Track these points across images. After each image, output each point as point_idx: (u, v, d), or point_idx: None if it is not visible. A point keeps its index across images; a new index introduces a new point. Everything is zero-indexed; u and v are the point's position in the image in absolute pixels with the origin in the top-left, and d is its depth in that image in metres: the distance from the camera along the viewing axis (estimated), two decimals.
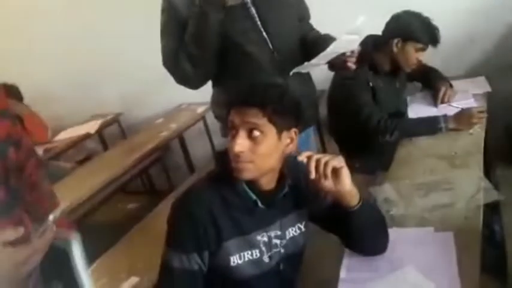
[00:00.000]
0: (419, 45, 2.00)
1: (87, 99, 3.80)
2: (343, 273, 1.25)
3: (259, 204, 1.15)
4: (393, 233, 1.31)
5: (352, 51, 1.56)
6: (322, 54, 1.51)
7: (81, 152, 3.77)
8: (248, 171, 1.08)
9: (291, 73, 1.52)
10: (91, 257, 1.96)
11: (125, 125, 3.81)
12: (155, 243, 1.46)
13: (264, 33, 1.59)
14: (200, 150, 3.59)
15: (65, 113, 3.84)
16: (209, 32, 1.51)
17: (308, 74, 1.81)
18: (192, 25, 1.53)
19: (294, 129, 1.13)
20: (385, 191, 1.59)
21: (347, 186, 1.12)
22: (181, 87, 1.69)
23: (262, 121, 1.06)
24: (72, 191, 2.51)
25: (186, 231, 1.11)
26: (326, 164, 1.09)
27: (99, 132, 3.66)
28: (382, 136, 1.97)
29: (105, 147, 3.77)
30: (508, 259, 1.64)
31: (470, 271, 1.15)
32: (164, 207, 2.22)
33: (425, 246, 1.28)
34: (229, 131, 1.10)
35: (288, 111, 1.10)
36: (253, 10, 1.58)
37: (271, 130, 1.07)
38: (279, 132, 1.09)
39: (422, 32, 1.97)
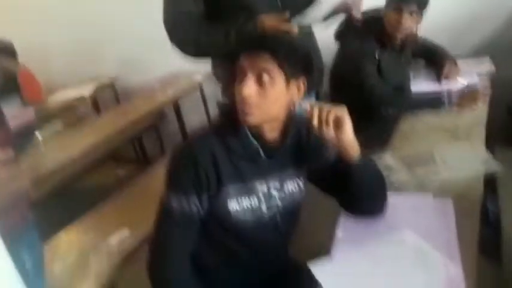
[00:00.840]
0: (393, 4, 1.95)
1: (82, 62, 3.73)
2: (339, 233, 1.23)
3: (261, 153, 1.14)
4: (392, 197, 1.29)
5: None
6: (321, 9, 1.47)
7: (73, 116, 3.71)
8: (254, 116, 1.07)
9: (294, 25, 1.46)
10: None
11: (120, 90, 3.75)
12: (148, 201, 1.43)
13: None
14: (196, 119, 3.53)
15: (59, 75, 3.77)
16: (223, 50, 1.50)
17: (311, 31, 1.77)
18: (212, 35, 1.51)
19: (302, 79, 1.11)
20: (386, 159, 1.56)
21: (349, 135, 1.11)
22: (179, 54, 1.64)
23: (272, 66, 1.04)
24: (62, 151, 2.46)
25: (186, 174, 1.09)
26: (328, 111, 1.08)
27: (93, 96, 3.60)
28: (385, 109, 1.94)
29: (98, 112, 3.71)
30: (503, 238, 1.63)
31: (469, 236, 1.14)
32: (156, 170, 2.18)
33: (424, 211, 1.27)
34: (237, 76, 1.09)
35: (298, 59, 1.08)
36: None
37: (280, 76, 1.06)
38: (288, 79, 1.07)
39: None
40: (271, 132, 1.14)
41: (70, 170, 2.68)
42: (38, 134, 2.72)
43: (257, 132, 1.12)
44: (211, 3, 1.56)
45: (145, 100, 3.06)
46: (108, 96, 3.77)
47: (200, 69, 3.05)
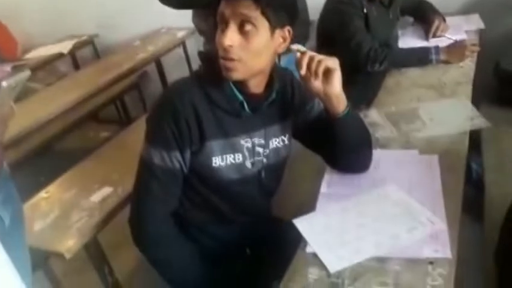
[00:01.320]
0: None
1: (61, 18, 3.58)
2: (323, 188, 1.22)
3: (246, 107, 1.10)
4: (377, 153, 1.29)
5: None
6: None
7: (52, 74, 3.60)
8: (237, 71, 1.02)
9: None
10: None
11: (100, 47, 3.63)
12: (130, 157, 1.39)
13: None
14: (179, 77, 3.46)
15: (37, 32, 3.63)
16: None
17: None
18: None
19: (287, 28, 1.05)
20: (371, 116, 1.54)
21: (337, 88, 1.07)
22: (162, 10, 1.57)
23: (255, 14, 0.98)
24: (41, 109, 2.39)
25: (168, 128, 1.05)
26: (319, 62, 1.03)
27: (72, 53, 3.48)
28: (371, 65, 1.90)
29: (78, 69, 3.59)
30: (486, 196, 1.64)
31: (454, 189, 1.14)
32: (138, 126, 2.12)
33: (410, 167, 1.26)
34: (218, 25, 1.02)
35: (283, 5, 1.01)
36: None
37: (263, 24, 1.00)
38: (272, 28, 1.01)
39: None
40: (256, 87, 1.10)
41: (50, 129, 2.62)
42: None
43: (242, 87, 1.08)
44: None
45: (126, 57, 2.95)
46: (88, 53, 3.65)
47: (183, 26, 2.97)
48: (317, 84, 1.06)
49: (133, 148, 1.39)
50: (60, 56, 3.33)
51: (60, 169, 1.85)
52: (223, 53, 1.00)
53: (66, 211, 1.42)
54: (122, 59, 2.92)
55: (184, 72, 3.37)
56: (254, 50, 1.00)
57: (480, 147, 1.85)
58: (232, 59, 1.00)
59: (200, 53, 1.17)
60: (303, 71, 1.04)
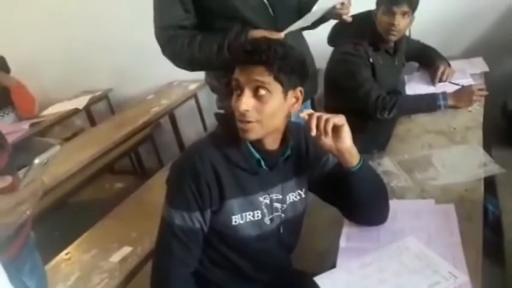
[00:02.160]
0: (384, 7, 1.94)
1: (76, 74, 3.69)
2: (342, 242, 1.23)
3: (263, 164, 1.14)
4: (394, 204, 1.29)
5: (342, 3, 1.52)
6: (310, 13, 1.47)
7: (68, 129, 3.69)
8: (254, 132, 1.06)
9: (284, 33, 1.47)
10: (77, 234, 1.92)
11: (114, 101, 3.72)
12: (148, 215, 1.43)
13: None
14: (191, 129, 3.53)
15: (53, 88, 3.74)
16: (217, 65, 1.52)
17: (304, 40, 1.77)
18: (204, 50, 1.52)
19: (299, 88, 1.11)
20: (385, 165, 1.56)
21: (347, 143, 1.11)
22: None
23: (268, 79, 1.03)
24: (58, 166, 2.44)
25: (189, 189, 1.09)
26: (327, 120, 1.07)
27: (87, 108, 3.57)
28: (380, 113, 1.94)
29: (93, 124, 3.68)
30: (505, 239, 1.63)
31: (473, 241, 1.14)
32: (155, 182, 2.17)
33: (427, 217, 1.26)
34: (234, 90, 1.08)
35: (294, 68, 1.07)
36: None
37: (277, 89, 1.05)
38: (285, 91, 1.07)
39: None
40: (272, 144, 1.14)
41: (68, 185, 2.66)
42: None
43: (258, 145, 1.12)
44: (204, 15, 1.56)
45: (141, 111, 3.03)
46: (103, 108, 3.74)
47: (195, 78, 3.06)
48: (328, 141, 1.09)
49: (151, 206, 1.42)
50: (75, 111, 3.43)
51: (76, 223, 1.87)
52: (240, 116, 1.05)
53: (87, 273, 1.43)
54: (137, 113, 3.00)
55: (197, 123, 3.48)
56: (269, 112, 1.05)
57: (495, 189, 1.85)
58: (249, 122, 1.05)
59: (216, 114, 1.22)
60: (313, 132, 1.08)
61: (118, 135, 2.70)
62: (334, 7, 1.51)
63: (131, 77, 3.58)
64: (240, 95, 1.05)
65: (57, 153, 0.82)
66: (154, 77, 3.46)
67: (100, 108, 3.74)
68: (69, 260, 1.52)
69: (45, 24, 3.54)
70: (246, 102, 1.03)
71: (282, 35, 1.43)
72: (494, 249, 1.62)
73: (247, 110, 1.03)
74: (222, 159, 1.11)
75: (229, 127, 1.11)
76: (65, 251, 1.58)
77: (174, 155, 3.47)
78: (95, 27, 3.42)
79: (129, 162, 3.78)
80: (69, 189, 2.84)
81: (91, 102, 3.52)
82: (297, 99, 1.11)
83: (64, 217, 3.05)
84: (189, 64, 1.58)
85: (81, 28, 3.45)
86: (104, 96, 3.66)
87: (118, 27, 3.35)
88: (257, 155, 1.12)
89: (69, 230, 1.93)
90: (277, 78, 1.04)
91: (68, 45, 3.58)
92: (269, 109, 1.05)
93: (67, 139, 3.42)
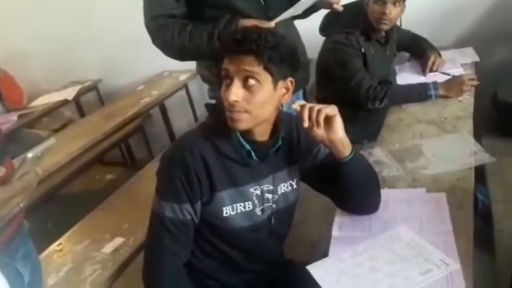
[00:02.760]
0: None
1: (64, 65, 3.65)
2: (335, 231, 1.23)
3: (253, 155, 1.13)
4: (385, 193, 1.30)
5: None
6: (300, 2, 1.46)
7: (57, 120, 3.66)
8: (243, 122, 1.05)
9: (274, 21, 1.45)
10: (68, 225, 1.91)
11: (104, 92, 3.69)
12: (139, 206, 1.42)
13: None
14: (182, 119, 3.51)
15: (42, 79, 3.70)
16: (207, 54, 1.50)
17: (295, 30, 1.76)
18: (194, 40, 1.50)
19: (289, 79, 1.10)
20: (376, 154, 1.57)
21: (339, 134, 1.11)
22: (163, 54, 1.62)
23: (258, 69, 1.02)
24: (48, 158, 2.41)
25: (179, 181, 1.08)
26: (319, 111, 1.07)
27: (76, 99, 3.54)
28: (371, 103, 1.95)
29: (82, 115, 3.65)
30: (495, 228, 1.65)
31: (464, 229, 1.15)
32: (145, 173, 2.16)
33: (418, 206, 1.27)
34: (223, 80, 1.07)
35: (284, 58, 1.06)
36: None
37: (267, 79, 1.04)
38: (275, 81, 1.06)
39: None
40: (262, 135, 1.13)
41: (58, 177, 2.64)
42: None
43: (248, 136, 1.11)
44: (194, 4, 1.54)
45: (131, 102, 3.01)
46: (92, 99, 3.71)
47: (185, 68, 3.03)
48: (320, 132, 1.09)
49: (142, 197, 1.41)
50: (64, 102, 3.39)
51: (67, 214, 1.85)
52: (229, 106, 1.04)
53: (79, 264, 1.43)
54: (127, 104, 2.97)
55: (188, 114, 3.46)
56: (259, 102, 1.04)
57: (485, 178, 1.87)
58: (238, 111, 1.04)
59: (207, 105, 1.21)
60: (306, 123, 1.07)
61: (108, 127, 2.68)
62: None
63: (121, 68, 3.54)
64: (229, 85, 1.04)
65: (51, 146, 0.81)
66: (144, 67, 3.43)
67: (89, 99, 3.71)
68: (61, 251, 1.51)
69: (33, 14, 3.48)
70: (235, 92, 1.02)
71: (272, 24, 1.42)
72: (484, 238, 1.64)
73: (236, 101, 1.02)
74: (212, 150, 1.11)
75: (220, 118, 1.10)
76: (57, 242, 1.57)
77: (164, 146, 3.44)
78: (84, 16, 3.38)
79: (119, 154, 3.76)
80: (60, 181, 2.81)
81: (80, 93, 3.49)
82: (288, 89, 1.10)
83: (55, 208, 3.03)
84: (180, 54, 1.57)
85: (70, 18, 3.40)
86: (93, 87, 3.63)
87: (107, 17, 3.31)
88: (247, 146, 1.12)
89: (60, 221, 1.91)
90: (267, 68, 1.03)
91: (56, 35, 3.52)
92: (259, 99, 1.04)
93: (56, 130, 3.39)
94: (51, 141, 0.80)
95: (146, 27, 1.57)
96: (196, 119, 3.50)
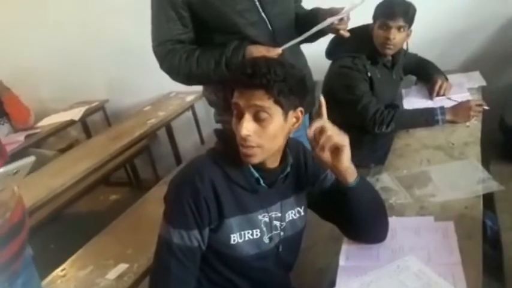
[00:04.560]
0: (379, 22, 1.96)
1: (72, 85, 3.68)
2: (342, 261, 1.21)
3: (262, 182, 1.13)
4: (393, 221, 1.29)
5: (341, 19, 1.51)
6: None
7: (63, 140, 3.67)
8: (256, 156, 1.06)
9: (281, 48, 1.46)
10: (72, 247, 1.90)
11: (110, 112, 3.71)
12: (144, 231, 1.41)
13: (263, 14, 1.54)
14: (188, 140, 3.52)
15: (49, 99, 3.74)
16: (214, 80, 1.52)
17: (301, 54, 1.77)
18: (202, 66, 1.51)
19: (299, 108, 1.10)
20: (383, 181, 1.56)
21: (344, 164, 1.09)
22: None
23: (268, 103, 1.02)
24: (53, 179, 2.42)
25: (188, 207, 1.07)
26: (328, 137, 1.06)
27: (83, 119, 3.55)
28: (378, 127, 1.95)
29: (89, 135, 3.67)
30: (504, 255, 1.62)
31: (473, 259, 1.13)
32: (151, 196, 2.16)
33: (426, 235, 1.25)
34: (233, 111, 1.08)
35: (294, 90, 1.05)
36: None
37: (277, 111, 1.04)
38: (285, 112, 1.06)
39: (381, 8, 1.96)
40: (272, 162, 1.13)
41: (63, 198, 2.64)
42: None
43: (258, 164, 1.11)
44: (202, 30, 1.56)
45: (137, 123, 3.02)
46: (99, 119, 3.73)
47: (192, 90, 3.05)
48: (324, 156, 1.08)
49: (147, 221, 1.39)
50: (71, 122, 3.41)
51: (70, 236, 1.84)
52: (241, 141, 1.05)
53: None
54: (133, 125, 2.98)
55: (194, 135, 3.47)
56: (270, 135, 1.05)
57: (493, 204, 1.84)
58: (251, 146, 1.04)
59: (216, 131, 1.21)
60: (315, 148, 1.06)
61: (114, 148, 2.69)
62: (332, 23, 1.51)
63: (128, 88, 3.57)
64: (240, 118, 1.04)
65: (29, 164, 0.80)
66: (151, 88, 3.45)
67: (96, 119, 3.73)
68: (65, 277, 1.49)
69: (42, 35, 3.53)
70: (247, 126, 1.02)
71: (279, 50, 1.43)
72: (493, 265, 1.61)
73: (248, 135, 1.02)
74: (222, 176, 1.10)
75: (229, 144, 1.11)
76: (61, 268, 1.56)
77: (170, 166, 3.46)
78: (91, 37, 3.42)
79: (124, 174, 3.76)
80: (64, 202, 2.81)
81: (87, 114, 3.51)
82: (297, 119, 1.10)
83: (58, 229, 3.03)
84: (187, 79, 1.58)
85: (78, 38, 3.45)
86: (100, 107, 3.65)
87: (115, 38, 3.35)
88: (256, 174, 1.12)
89: (65, 242, 1.90)
90: (277, 102, 1.03)
91: (64, 55, 3.56)
92: (270, 132, 1.04)
93: (62, 150, 3.40)
94: (31, 158, 0.79)
95: (154, 52, 1.58)
96: (202, 140, 3.50)
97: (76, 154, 2.81)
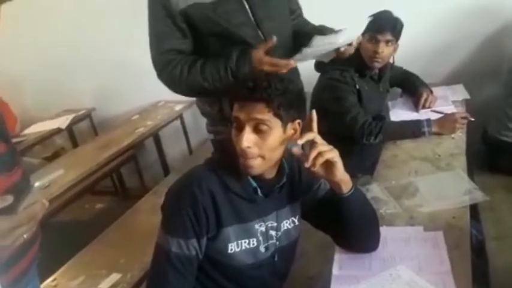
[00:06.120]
0: (368, 35, 2.00)
1: (58, 92, 3.65)
2: (335, 270, 1.24)
3: (259, 192, 1.15)
4: (384, 231, 1.31)
5: (350, 44, 1.51)
6: (310, 50, 1.47)
7: (48, 148, 3.63)
8: (257, 167, 1.09)
9: (293, 60, 1.46)
10: (58, 256, 1.87)
11: (97, 121, 3.68)
12: (135, 241, 1.41)
13: (259, 30, 1.56)
14: (175, 149, 3.51)
15: (35, 106, 3.70)
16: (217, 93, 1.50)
17: (296, 68, 1.79)
18: (207, 78, 1.48)
19: (297, 121, 1.13)
20: (373, 191, 1.59)
21: (337, 177, 1.12)
22: (158, 84, 1.59)
23: (268, 116, 1.06)
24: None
25: (187, 216, 1.08)
26: (320, 154, 1.07)
27: (69, 128, 3.52)
28: (366, 138, 1.99)
29: (75, 144, 3.64)
30: (490, 265, 1.67)
31: (462, 268, 1.17)
32: (141, 206, 2.14)
33: (416, 245, 1.29)
34: (233, 123, 1.10)
35: (293, 103, 1.09)
36: (246, 4, 1.55)
37: (276, 123, 1.07)
38: (284, 125, 1.09)
39: (370, 22, 2.00)
40: (270, 173, 1.16)
41: (49, 207, 2.59)
42: None
43: (256, 174, 1.13)
44: (197, 37, 1.56)
45: (125, 132, 3.01)
46: (85, 127, 3.70)
47: (180, 99, 3.05)
48: (317, 170, 1.10)
49: (138, 231, 1.39)
50: (58, 131, 3.38)
51: (57, 244, 1.81)
52: (242, 153, 1.07)
53: None
54: (121, 134, 2.97)
55: (182, 144, 3.47)
56: (270, 146, 1.08)
57: (478, 213, 1.89)
58: (252, 158, 1.07)
59: (213, 141, 1.23)
60: (308, 164, 1.07)
61: (102, 157, 2.67)
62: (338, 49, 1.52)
63: (115, 97, 3.55)
64: (241, 131, 1.07)
65: (59, 177, 0.82)
66: (139, 96, 3.45)
67: (82, 128, 3.70)
68: (56, 287, 1.48)
69: (27, 41, 3.50)
70: (247, 138, 1.05)
71: (292, 63, 1.38)
72: (479, 273, 1.65)
73: (248, 147, 1.05)
74: (220, 186, 1.12)
75: (226, 154, 1.13)
76: (51, 278, 1.54)
77: (157, 176, 3.45)
78: (78, 45, 3.39)
79: (110, 182, 3.73)
80: (50, 211, 2.77)
81: (73, 122, 3.48)
82: (296, 130, 1.13)
83: (44, 239, 2.97)
84: (190, 90, 1.55)
85: (64, 46, 3.41)
86: (87, 116, 3.63)
87: (102, 46, 3.33)
88: (254, 184, 1.14)
89: (51, 252, 1.88)
90: (277, 115, 1.06)
91: (50, 63, 3.53)
92: (270, 144, 1.07)
93: (47, 158, 3.36)
94: (60, 172, 0.80)
95: (153, 62, 1.56)
96: (190, 149, 3.50)
97: (63, 163, 2.78)
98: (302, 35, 1.65)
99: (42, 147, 3.56)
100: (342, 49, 1.50)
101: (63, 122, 3.40)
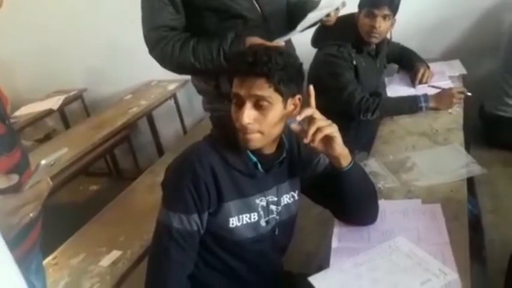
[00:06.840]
0: (365, 10, 1.98)
1: (48, 74, 3.60)
2: (334, 243, 1.24)
3: (259, 167, 1.15)
4: (382, 204, 1.32)
5: (337, 8, 1.54)
6: (303, 22, 1.46)
7: (40, 130, 3.60)
8: (257, 141, 1.08)
9: (281, 40, 1.46)
10: (54, 238, 1.87)
11: (88, 101, 3.64)
12: (135, 218, 1.40)
13: (255, 2, 1.54)
14: (169, 129, 3.49)
15: (26, 88, 3.65)
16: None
17: (291, 42, 1.78)
18: (198, 57, 1.47)
19: (298, 96, 1.12)
20: (371, 166, 1.59)
21: (336, 151, 1.12)
22: (150, 63, 1.59)
23: (269, 91, 1.04)
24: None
25: (188, 192, 1.08)
26: (318, 130, 1.07)
27: (61, 109, 3.48)
28: (364, 114, 1.98)
29: (67, 125, 3.60)
30: (485, 238, 1.68)
31: (460, 239, 1.18)
32: (138, 185, 2.13)
33: (415, 217, 1.30)
34: (233, 99, 1.08)
35: (293, 78, 1.07)
36: None
37: (277, 99, 1.06)
38: (285, 100, 1.08)
39: None
40: (270, 148, 1.15)
41: None
42: None
43: (257, 149, 1.12)
44: (193, 14, 1.54)
45: (118, 112, 2.98)
46: (77, 108, 3.65)
47: (174, 78, 3.02)
48: (316, 146, 1.10)
49: (136, 209, 1.38)
50: (49, 112, 3.33)
51: (52, 226, 1.79)
52: (242, 128, 1.06)
53: (77, 278, 1.40)
54: (114, 114, 2.94)
55: (175, 123, 3.44)
56: (271, 122, 1.06)
57: (474, 188, 1.91)
58: (251, 133, 1.06)
59: (212, 118, 1.22)
60: (306, 140, 1.07)
61: (96, 137, 2.65)
62: (328, 14, 1.52)
63: (107, 77, 3.51)
64: (241, 107, 1.05)
65: (63, 155, 0.81)
66: (131, 76, 3.41)
67: (74, 109, 3.66)
68: (57, 265, 1.47)
69: (17, 22, 3.42)
70: (248, 115, 1.04)
71: (282, 43, 1.42)
72: (474, 247, 1.67)
73: (249, 123, 1.04)
74: (220, 162, 1.12)
75: (225, 130, 1.12)
76: (51, 256, 1.53)
77: (151, 156, 3.43)
78: (69, 25, 3.34)
79: (104, 164, 3.71)
80: None
81: (65, 103, 3.44)
82: (296, 105, 1.12)
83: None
84: (179, 68, 1.55)
85: (55, 26, 3.36)
86: (79, 97, 3.58)
87: (93, 25, 3.28)
88: (254, 159, 1.13)
89: (47, 232, 1.87)
90: (277, 90, 1.04)
91: (40, 44, 3.47)
92: (270, 119, 1.06)
93: (39, 140, 3.33)
94: (64, 150, 0.79)
95: (144, 37, 1.54)
96: (184, 129, 3.48)
97: (56, 144, 2.75)
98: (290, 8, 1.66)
99: (34, 129, 3.53)
100: (332, 13, 1.53)
101: (54, 102, 3.35)
